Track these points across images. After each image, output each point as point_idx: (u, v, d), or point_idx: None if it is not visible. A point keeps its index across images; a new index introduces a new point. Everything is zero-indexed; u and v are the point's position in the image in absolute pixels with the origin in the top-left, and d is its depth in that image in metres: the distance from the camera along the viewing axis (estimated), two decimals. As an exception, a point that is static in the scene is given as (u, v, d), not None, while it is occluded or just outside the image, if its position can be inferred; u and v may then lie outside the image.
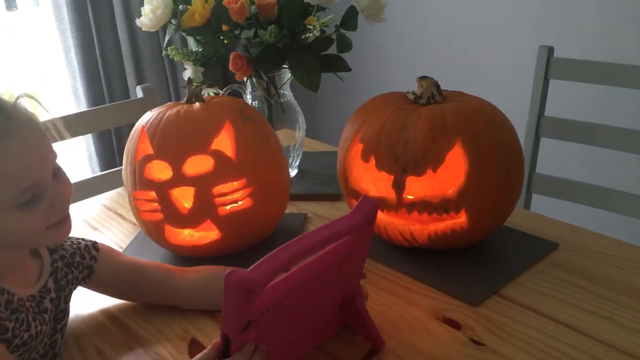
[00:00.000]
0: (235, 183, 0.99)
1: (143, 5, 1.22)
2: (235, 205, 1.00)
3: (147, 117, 1.03)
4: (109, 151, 2.40)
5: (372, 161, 0.98)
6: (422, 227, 0.99)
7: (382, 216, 1.01)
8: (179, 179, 0.97)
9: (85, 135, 2.29)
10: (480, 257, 1.02)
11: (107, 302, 0.97)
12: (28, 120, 0.73)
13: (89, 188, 1.48)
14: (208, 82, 1.28)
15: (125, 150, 1.04)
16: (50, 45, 2.26)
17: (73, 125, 0.80)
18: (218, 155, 0.98)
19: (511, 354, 0.79)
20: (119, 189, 1.43)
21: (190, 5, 1.20)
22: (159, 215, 1.01)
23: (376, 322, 0.83)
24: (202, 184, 0.98)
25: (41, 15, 2.27)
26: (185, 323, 0.90)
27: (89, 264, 0.90)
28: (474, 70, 2.29)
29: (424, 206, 0.96)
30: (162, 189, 0.98)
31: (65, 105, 2.30)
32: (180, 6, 1.22)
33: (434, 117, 0.95)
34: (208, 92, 1.27)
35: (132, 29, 2.30)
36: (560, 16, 2.03)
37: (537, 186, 1.56)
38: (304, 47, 1.21)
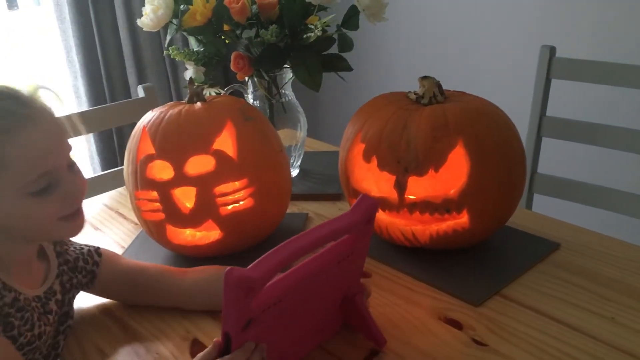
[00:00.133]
0: (236, 183, 0.99)
1: (144, 5, 1.22)
2: (237, 205, 1.00)
3: (149, 116, 1.03)
4: (110, 151, 2.40)
5: (374, 161, 0.98)
6: (424, 227, 0.99)
7: (383, 216, 1.01)
8: (180, 179, 0.97)
9: (87, 135, 2.29)
10: (482, 257, 1.02)
11: (108, 301, 0.97)
12: (45, 110, 0.75)
13: (90, 187, 1.46)
14: (209, 82, 1.28)
15: (126, 150, 1.04)
16: (52, 45, 2.26)
17: (88, 120, 0.81)
18: (219, 155, 0.98)
19: (513, 354, 0.79)
20: (121, 189, 1.43)
21: (192, 5, 1.19)
22: (161, 215, 1.01)
23: (378, 322, 0.83)
24: (204, 184, 0.98)
25: (42, 15, 2.27)
26: (187, 323, 0.90)
27: (91, 269, 0.91)
28: (476, 70, 2.29)
29: (426, 206, 0.96)
30: (164, 188, 0.98)
31: (67, 104, 2.30)
32: (182, 6, 1.22)
33: (436, 117, 0.95)
34: (209, 92, 1.27)
35: (133, 28, 2.30)
36: (562, 16, 2.02)
37: (538, 186, 1.56)
38: (305, 47, 1.21)
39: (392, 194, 0.97)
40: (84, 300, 0.95)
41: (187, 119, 1.00)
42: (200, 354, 0.70)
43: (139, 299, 0.94)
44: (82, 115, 0.80)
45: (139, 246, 1.14)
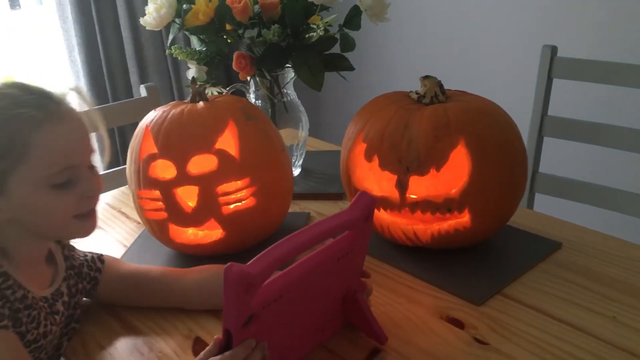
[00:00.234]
0: (238, 182, 0.99)
1: (147, 4, 1.22)
2: (239, 204, 1.00)
3: (151, 116, 1.04)
4: (113, 150, 2.41)
5: (376, 160, 0.98)
6: (426, 227, 0.99)
7: (385, 215, 1.01)
8: (183, 178, 0.98)
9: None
10: (483, 257, 1.02)
11: (111, 300, 0.98)
12: (73, 111, 0.80)
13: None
14: (211, 82, 1.29)
15: (129, 149, 1.04)
16: (54, 44, 2.26)
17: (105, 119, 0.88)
18: (222, 155, 0.98)
19: (514, 353, 0.79)
20: (123, 188, 1.44)
21: (194, 4, 1.20)
22: (163, 214, 1.01)
23: (379, 321, 0.83)
24: (206, 183, 0.98)
25: (44, 14, 2.27)
26: (190, 322, 0.91)
27: (94, 275, 0.92)
28: (477, 69, 2.29)
29: (427, 206, 0.96)
30: (166, 187, 0.99)
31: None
32: (184, 5, 1.22)
33: (438, 117, 0.95)
34: (211, 92, 1.28)
35: (135, 27, 2.30)
36: (563, 15, 2.02)
37: (540, 186, 1.56)
38: (307, 47, 1.21)
39: (394, 194, 0.98)
40: (87, 299, 0.96)
41: (190, 119, 1.00)
42: (202, 352, 0.70)
43: (141, 302, 0.95)
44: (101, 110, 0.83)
45: (141, 245, 1.15)
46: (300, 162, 1.42)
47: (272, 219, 1.08)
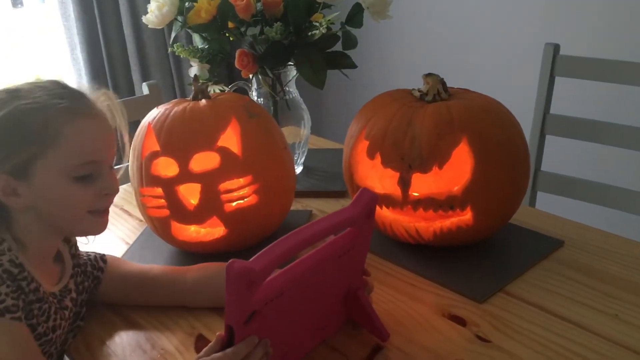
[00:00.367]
0: (241, 180, 1.00)
1: (149, 2, 1.22)
2: (241, 201, 1.01)
3: (154, 113, 1.04)
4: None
5: (378, 158, 0.98)
6: (428, 224, 0.99)
7: (387, 213, 1.01)
8: (185, 176, 0.98)
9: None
10: (485, 254, 1.02)
11: (113, 297, 0.98)
12: (104, 112, 0.84)
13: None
14: (214, 79, 1.29)
15: (131, 147, 1.04)
16: (56, 42, 2.26)
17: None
18: (224, 152, 0.98)
19: (516, 350, 0.79)
20: (125, 185, 1.43)
21: (196, 2, 1.20)
22: (165, 212, 1.01)
23: (382, 318, 0.83)
24: (208, 181, 0.98)
25: (47, 12, 2.28)
26: (192, 319, 0.91)
27: (97, 274, 0.93)
28: (480, 67, 2.29)
29: (430, 203, 0.96)
30: (169, 185, 0.99)
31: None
32: (186, 3, 1.22)
33: (440, 114, 0.95)
34: (214, 89, 1.28)
35: (137, 25, 2.30)
36: (566, 13, 2.02)
37: (542, 184, 1.56)
38: (309, 44, 1.21)
39: (396, 191, 0.98)
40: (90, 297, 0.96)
41: (192, 116, 1.00)
42: (204, 349, 0.71)
43: (143, 302, 0.95)
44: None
45: (143, 243, 1.15)
46: (302, 160, 1.42)
47: (274, 217, 1.08)
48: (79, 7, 2.18)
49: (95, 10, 2.22)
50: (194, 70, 1.28)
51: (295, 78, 1.33)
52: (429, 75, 1.01)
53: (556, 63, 1.49)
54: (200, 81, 1.08)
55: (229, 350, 0.68)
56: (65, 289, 0.86)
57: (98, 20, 2.24)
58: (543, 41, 1.52)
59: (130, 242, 1.16)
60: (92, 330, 0.91)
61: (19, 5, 2.27)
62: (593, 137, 1.47)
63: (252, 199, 1.01)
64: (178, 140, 0.98)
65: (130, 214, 1.29)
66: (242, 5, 1.17)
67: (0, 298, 0.71)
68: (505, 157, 0.95)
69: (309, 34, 1.21)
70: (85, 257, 0.93)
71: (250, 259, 0.64)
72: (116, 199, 1.35)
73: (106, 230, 0.87)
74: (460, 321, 0.86)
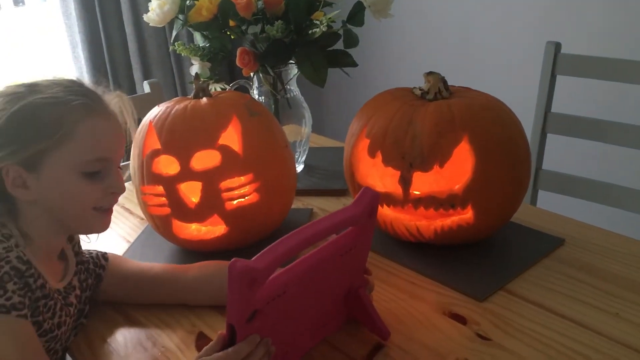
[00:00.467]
0: (242, 178, 1.00)
1: (150, 1, 1.22)
2: (242, 200, 1.01)
3: (155, 112, 1.04)
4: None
5: (379, 156, 0.98)
6: (429, 223, 0.99)
7: (388, 211, 1.01)
8: (186, 174, 0.98)
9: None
10: (486, 253, 1.02)
11: (114, 295, 0.98)
12: (116, 114, 0.86)
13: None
14: (215, 78, 1.29)
15: (132, 145, 1.04)
16: (57, 41, 2.26)
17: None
18: (225, 150, 0.98)
19: (517, 348, 0.80)
20: (127, 184, 1.44)
21: (197, 0, 1.20)
22: (167, 210, 1.01)
23: (382, 316, 0.83)
24: (210, 179, 0.98)
25: (48, 11, 2.28)
26: (193, 317, 0.91)
27: (98, 272, 0.94)
28: (481, 66, 2.29)
29: (431, 202, 0.96)
30: (170, 183, 0.99)
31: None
32: (188, 1, 1.22)
33: (441, 113, 0.95)
34: (215, 88, 1.28)
35: (139, 24, 2.30)
36: (567, 12, 2.02)
37: (543, 182, 1.55)
38: (310, 43, 1.21)
39: (397, 190, 0.98)
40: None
41: (193, 114, 1.00)
42: (205, 347, 0.71)
43: (144, 300, 0.95)
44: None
45: (144, 241, 1.15)
46: (304, 159, 1.42)
47: (275, 215, 1.08)
48: (80, 5, 2.18)
49: (97, 8, 2.22)
50: (195, 68, 1.28)
51: (296, 76, 1.33)
52: (430, 73, 1.01)
53: (557, 61, 1.49)
54: (202, 79, 1.08)
55: (230, 349, 0.68)
56: (70, 285, 0.86)
57: (99, 19, 2.24)
58: (544, 39, 1.52)
59: (132, 241, 1.16)
60: (94, 328, 0.91)
61: (21, 4, 2.28)
62: (594, 135, 1.47)
63: (253, 197, 1.01)
64: (179, 138, 0.98)
65: (131, 212, 1.29)
66: (243, 3, 1.17)
67: (7, 295, 0.71)
68: (506, 155, 0.95)
69: (310, 32, 1.21)
70: (87, 255, 0.94)
71: (253, 258, 0.64)
72: (117, 197, 1.36)
73: (108, 229, 0.87)
74: (460, 319, 0.86)
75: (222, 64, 1.31)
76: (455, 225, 0.97)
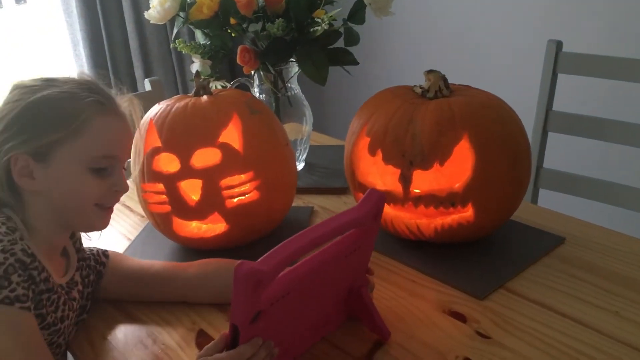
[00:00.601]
0: (242, 176, 1.00)
1: (151, -2, 1.22)
2: (243, 197, 1.01)
3: (156, 109, 1.04)
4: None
5: (379, 155, 0.98)
6: (429, 221, 0.99)
7: (388, 210, 1.01)
8: (186, 172, 0.98)
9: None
10: (486, 251, 1.02)
11: (115, 293, 0.98)
12: (127, 115, 0.88)
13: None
14: (216, 75, 1.29)
15: (133, 143, 1.04)
16: (59, 39, 2.26)
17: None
18: (225, 148, 0.98)
19: (517, 347, 0.80)
20: (128, 181, 1.44)
21: (198, -2, 1.20)
22: (167, 208, 1.01)
23: (382, 314, 0.83)
24: (210, 177, 0.98)
25: (49, 9, 2.28)
26: (193, 314, 0.91)
27: (99, 269, 0.94)
28: (482, 64, 2.29)
29: (431, 200, 0.96)
30: (170, 181, 0.99)
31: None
32: (188, -1, 1.22)
33: (441, 111, 0.95)
34: (216, 85, 1.28)
35: (140, 22, 2.30)
36: (569, 10, 2.01)
37: (544, 181, 1.55)
38: (311, 41, 1.21)
39: (397, 188, 0.98)
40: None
41: (194, 112, 1.00)
42: (207, 346, 0.70)
43: (144, 297, 0.95)
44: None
45: (145, 238, 1.15)
46: (304, 157, 1.42)
47: (275, 213, 1.08)
48: (81, 3, 2.18)
49: (98, 6, 2.23)
50: (195, 66, 1.28)
51: (297, 74, 1.33)
52: (430, 71, 1.00)
53: (559, 60, 1.48)
54: (202, 77, 1.08)
55: (232, 351, 0.68)
56: (72, 281, 0.87)
57: (101, 17, 2.24)
58: (546, 38, 1.52)
59: (132, 238, 1.16)
60: (94, 325, 0.91)
61: (22, 2, 2.28)
62: (595, 134, 1.47)
63: (253, 195, 1.01)
64: (180, 136, 0.98)
65: (132, 210, 1.29)
66: (244, 1, 1.17)
67: (11, 287, 0.71)
68: (507, 154, 0.95)
69: (311, 30, 1.21)
70: (88, 252, 0.94)
71: (258, 260, 0.64)
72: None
73: (108, 226, 0.88)
74: (460, 317, 0.86)
75: (223, 62, 1.30)
76: (456, 224, 0.97)
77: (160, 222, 1.04)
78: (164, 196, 1.00)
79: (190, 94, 1.07)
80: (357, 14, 1.24)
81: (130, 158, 0.90)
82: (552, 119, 1.52)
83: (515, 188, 0.98)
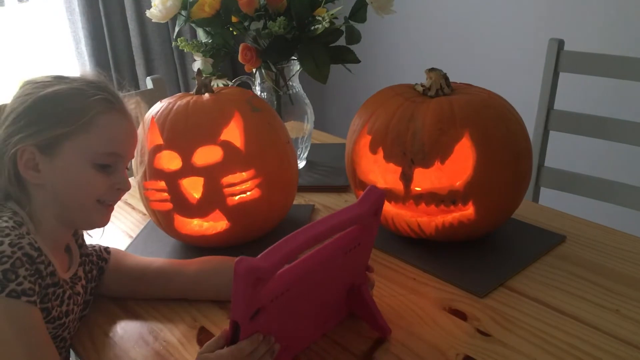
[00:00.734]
0: (243, 174, 1.00)
1: (153, -3, 1.22)
2: (244, 195, 1.01)
3: (157, 107, 1.04)
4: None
5: (380, 153, 0.99)
6: (430, 219, 0.99)
7: (389, 207, 1.02)
8: (188, 169, 0.98)
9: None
10: (487, 249, 1.02)
11: (117, 290, 0.98)
12: (133, 116, 0.90)
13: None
14: (217, 73, 1.29)
15: (135, 141, 1.05)
16: (61, 37, 2.27)
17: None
18: (227, 146, 0.99)
19: (517, 344, 0.80)
20: (130, 179, 1.44)
21: (200, -4, 1.20)
22: (169, 205, 1.02)
23: (383, 312, 0.83)
24: (211, 174, 0.98)
25: (52, 7, 2.28)
26: (194, 311, 0.91)
27: (101, 265, 0.95)
28: (483, 62, 2.29)
29: (432, 198, 0.96)
30: (172, 179, 0.99)
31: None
32: (190, -3, 1.22)
33: (442, 109, 0.95)
34: (217, 83, 1.28)
35: (142, 20, 2.30)
36: (571, 9, 2.01)
37: (545, 179, 1.55)
38: (312, 39, 1.21)
39: (398, 186, 0.98)
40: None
41: (195, 110, 1.00)
42: (208, 342, 0.71)
43: (144, 294, 0.96)
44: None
45: (146, 236, 1.15)
46: (306, 155, 1.42)
47: (276, 211, 1.08)
48: (83, 1, 2.18)
49: (100, 4, 2.23)
50: (197, 64, 1.28)
51: (298, 73, 1.33)
52: (431, 70, 1.01)
53: (560, 58, 1.48)
54: (204, 75, 1.08)
55: (233, 346, 0.69)
56: (76, 276, 0.88)
57: (103, 15, 2.24)
58: (547, 36, 1.52)
59: (134, 236, 1.16)
60: (96, 322, 0.92)
61: (24, 0, 2.28)
62: (597, 133, 1.47)
63: (254, 193, 1.01)
64: (181, 134, 0.99)
65: (133, 208, 1.30)
66: (246, -1, 1.17)
67: (18, 280, 0.72)
68: (507, 152, 0.95)
69: (312, 28, 1.21)
70: (90, 248, 0.95)
71: (258, 256, 0.64)
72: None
73: (110, 224, 0.88)
74: (461, 315, 0.87)
75: (224, 60, 1.31)
76: (456, 222, 0.97)
77: (162, 220, 1.05)
78: (166, 194, 1.01)
79: (192, 92, 1.07)
80: (358, 12, 1.24)
81: (133, 158, 0.91)
82: (553, 117, 1.52)
83: (516, 186, 0.99)
